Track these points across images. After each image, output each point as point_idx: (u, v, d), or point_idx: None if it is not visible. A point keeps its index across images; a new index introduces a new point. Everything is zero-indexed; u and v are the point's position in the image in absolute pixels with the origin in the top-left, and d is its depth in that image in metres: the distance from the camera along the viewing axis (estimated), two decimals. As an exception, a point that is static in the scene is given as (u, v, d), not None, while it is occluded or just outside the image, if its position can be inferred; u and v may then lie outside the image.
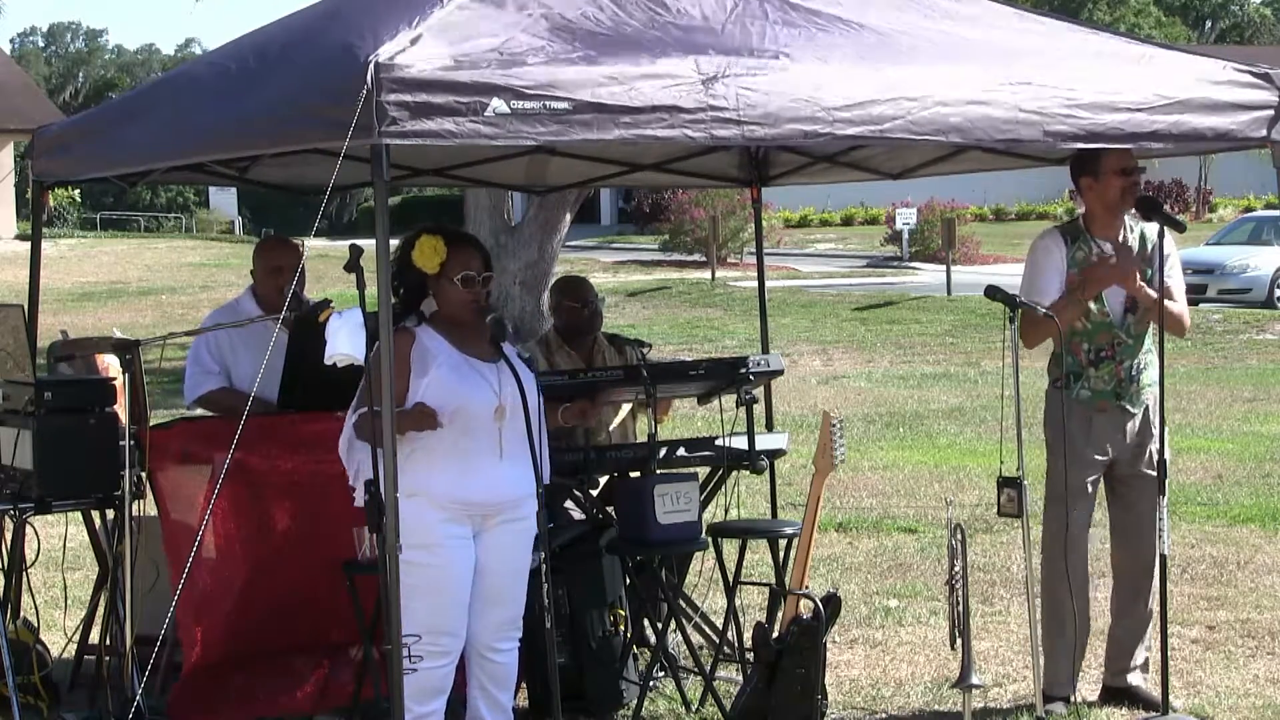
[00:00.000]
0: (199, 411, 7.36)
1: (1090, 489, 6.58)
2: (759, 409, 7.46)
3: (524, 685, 6.58)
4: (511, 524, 5.59)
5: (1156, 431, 6.60)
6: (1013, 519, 6.20)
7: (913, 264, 36.46)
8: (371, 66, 4.79)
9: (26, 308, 6.73)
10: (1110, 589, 6.87)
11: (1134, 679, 6.69)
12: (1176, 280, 6.60)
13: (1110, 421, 6.58)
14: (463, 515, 5.52)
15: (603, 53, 5.21)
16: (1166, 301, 6.45)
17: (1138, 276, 6.48)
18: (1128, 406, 6.59)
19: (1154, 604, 6.65)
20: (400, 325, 5.48)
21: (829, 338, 24.58)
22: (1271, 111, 6.15)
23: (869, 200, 44.73)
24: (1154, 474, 6.55)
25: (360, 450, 5.41)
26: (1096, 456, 6.57)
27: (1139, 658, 6.71)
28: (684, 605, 7.13)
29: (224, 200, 61.05)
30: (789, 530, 6.92)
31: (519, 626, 5.74)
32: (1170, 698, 6.49)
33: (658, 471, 6.62)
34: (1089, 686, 6.83)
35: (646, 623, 6.95)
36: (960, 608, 5.95)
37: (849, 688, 7.05)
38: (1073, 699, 6.56)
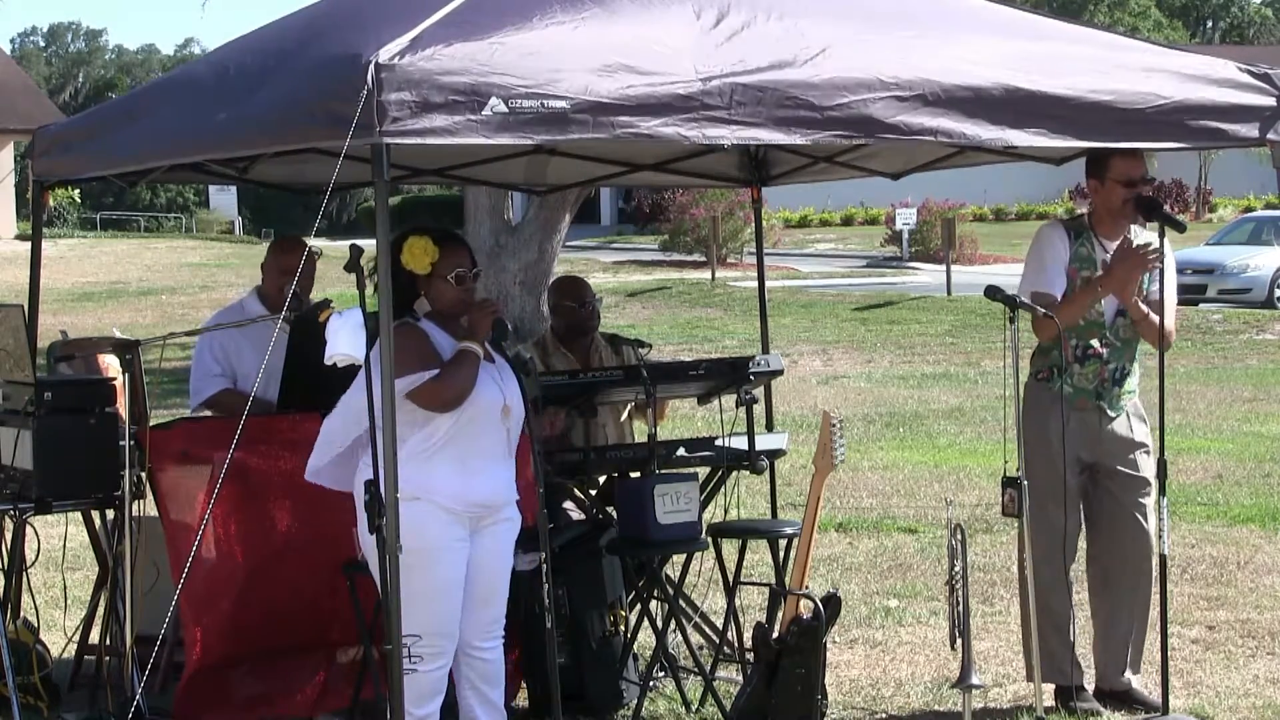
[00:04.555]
0: (200, 411, 7.35)
1: (1074, 488, 6.55)
2: (759, 409, 7.46)
3: (524, 685, 6.59)
4: (501, 524, 5.62)
5: (1150, 433, 6.60)
6: (1013, 519, 6.20)
7: (913, 264, 36.48)
8: (372, 65, 4.79)
9: (26, 308, 6.73)
10: (1089, 589, 6.83)
11: (1131, 681, 6.67)
12: (1170, 291, 6.56)
13: (1087, 421, 6.56)
14: (464, 516, 5.53)
15: (602, 53, 5.22)
16: (1155, 315, 6.43)
17: (1133, 290, 6.47)
18: (1106, 409, 6.58)
19: (1139, 603, 6.67)
20: (402, 321, 5.49)
21: (829, 338, 24.59)
22: (1271, 111, 6.15)
23: (869, 200, 44.74)
24: (1138, 473, 6.58)
25: (357, 451, 5.40)
26: (1074, 454, 6.54)
27: (1131, 659, 6.69)
28: (684, 605, 7.13)
29: (224, 200, 61.09)
30: (789, 530, 6.92)
31: (502, 624, 5.74)
32: (1170, 698, 6.49)
33: (658, 471, 6.62)
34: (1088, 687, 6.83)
35: (646, 621, 6.95)
36: (960, 608, 5.95)
37: (849, 688, 7.05)
38: (1077, 688, 6.55)
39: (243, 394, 6.81)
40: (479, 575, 5.60)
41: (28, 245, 7.26)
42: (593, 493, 7.07)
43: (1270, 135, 6.16)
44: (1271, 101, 6.15)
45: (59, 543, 7.49)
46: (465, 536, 5.55)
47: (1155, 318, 6.45)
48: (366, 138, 4.80)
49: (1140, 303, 6.48)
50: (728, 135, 5.29)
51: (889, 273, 35.39)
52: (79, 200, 50.54)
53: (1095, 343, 6.55)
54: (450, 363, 5.47)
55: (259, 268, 7.38)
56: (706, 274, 32.60)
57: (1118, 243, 6.54)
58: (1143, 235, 6.62)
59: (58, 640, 7.41)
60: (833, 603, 6.05)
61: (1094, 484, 6.66)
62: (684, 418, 12.75)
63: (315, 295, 7.13)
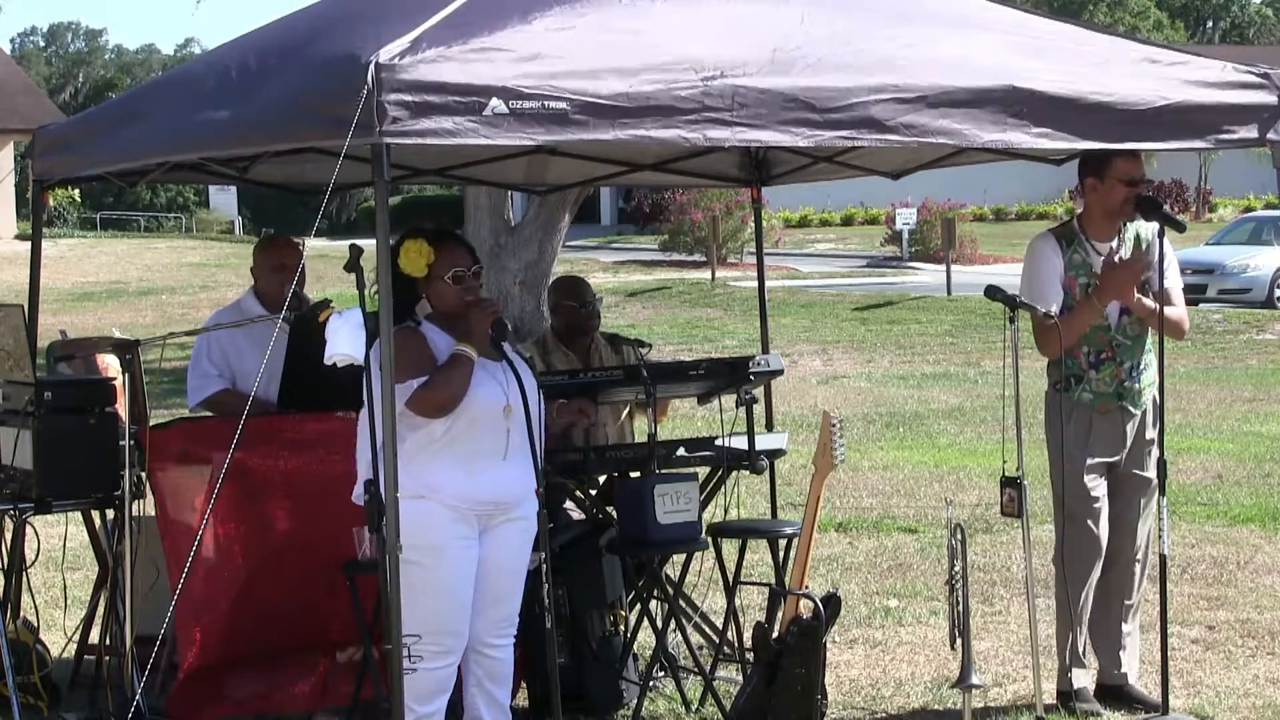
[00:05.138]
0: (200, 411, 7.35)
1: (1097, 492, 6.57)
2: (759, 409, 7.46)
3: (524, 685, 6.59)
4: (514, 522, 5.61)
5: (1154, 432, 6.62)
6: (1013, 519, 6.22)
7: (913, 264, 36.48)
8: (372, 66, 4.79)
9: (26, 308, 6.72)
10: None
11: (1129, 675, 6.69)
12: (1174, 282, 6.59)
13: (1112, 423, 6.59)
14: (470, 515, 5.53)
15: (602, 54, 5.22)
16: (1165, 306, 6.45)
17: (1134, 291, 6.48)
18: (1129, 407, 6.60)
19: (1134, 599, 6.69)
20: (403, 325, 5.49)
21: (829, 338, 24.59)
22: (1270, 111, 6.15)
23: (869, 200, 44.75)
24: (1147, 474, 6.59)
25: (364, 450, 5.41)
26: (1100, 459, 6.57)
27: (1129, 653, 6.71)
28: (684, 605, 7.13)
29: (224, 200, 61.06)
30: (789, 530, 6.92)
31: (515, 623, 5.75)
32: (1170, 698, 6.50)
33: (658, 471, 6.61)
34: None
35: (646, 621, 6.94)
36: (960, 608, 5.96)
37: (849, 688, 7.05)
38: (1077, 690, 6.56)
39: (242, 394, 6.81)
40: (490, 575, 5.61)
41: (28, 245, 7.26)
42: (593, 493, 7.07)
43: (1270, 135, 6.16)
44: (1271, 101, 6.15)
45: (59, 543, 7.49)
46: (472, 535, 5.55)
47: (1166, 308, 6.45)
48: (366, 138, 4.81)
49: (1144, 300, 6.49)
50: (729, 137, 5.29)
51: (889, 273, 35.39)
52: (79, 200, 50.54)
53: (1105, 345, 6.56)
54: (441, 368, 5.46)
55: (250, 271, 7.37)
56: (706, 274, 32.60)
57: (1108, 248, 6.55)
58: (1143, 227, 6.61)
59: (58, 640, 7.41)
60: (833, 603, 6.05)
61: (1109, 485, 6.68)
62: (684, 418, 12.75)
63: (315, 295, 7.13)
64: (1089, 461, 6.53)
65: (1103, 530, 6.57)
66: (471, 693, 5.73)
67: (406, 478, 5.20)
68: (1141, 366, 6.63)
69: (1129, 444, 6.61)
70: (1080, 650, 6.63)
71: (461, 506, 5.50)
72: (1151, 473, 6.60)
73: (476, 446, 5.52)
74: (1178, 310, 6.58)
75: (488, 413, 5.52)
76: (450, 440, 5.48)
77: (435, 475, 5.45)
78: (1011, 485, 6.09)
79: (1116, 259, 6.51)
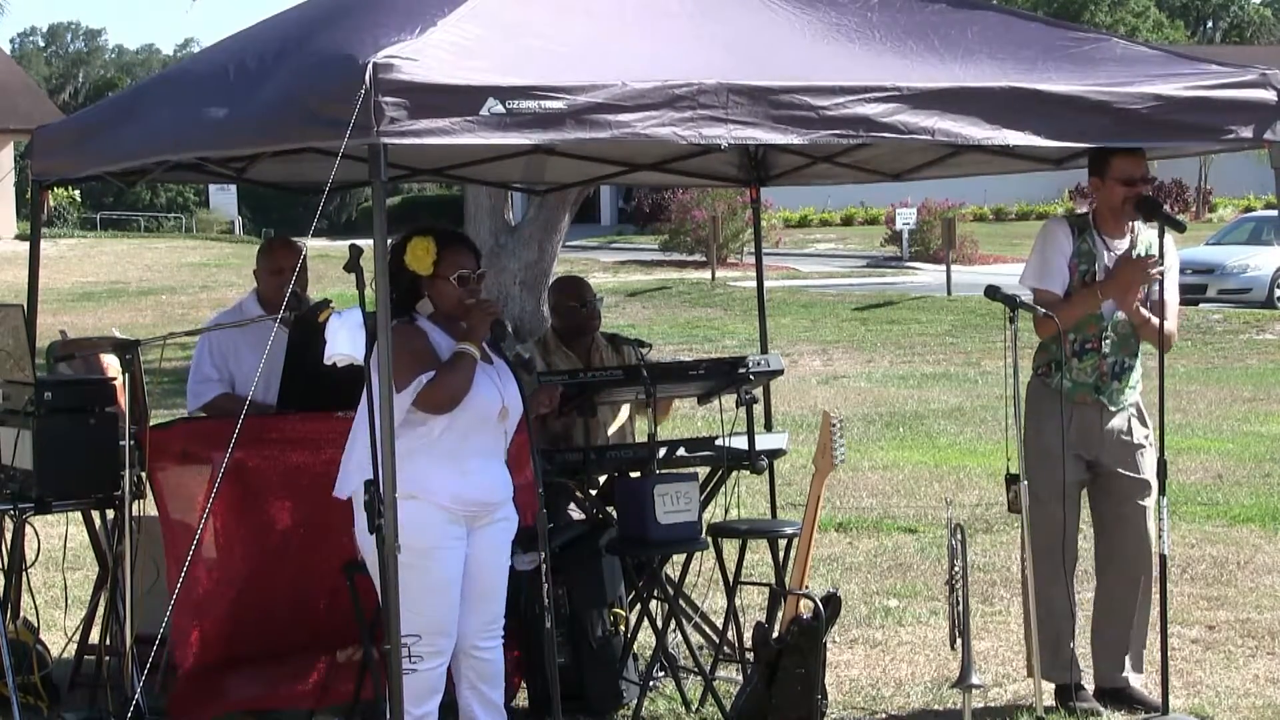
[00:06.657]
0: (198, 414, 7.34)
1: (1074, 486, 6.55)
2: (759, 409, 7.47)
3: (524, 685, 6.59)
4: (499, 522, 5.63)
5: (1151, 433, 6.61)
6: (1015, 516, 6.22)
7: (913, 264, 36.49)
8: (370, 66, 4.80)
9: (26, 308, 6.72)
10: (1094, 588, 6.86)
11: (1131, 679, 6.68)
12: (1172, 295, 6.58)
13: (1088, 417, 6.57)
14: (460, 515, 5.54)
15: (597, 54, 5.23)
16: (1156, 319, 6.46)
17: (1135, 293, 6.49)
18: (1106, 404, 6.59)
19: (1140, 603, 6.67)
20: (403, 321, 5.50)
21: (829, 338, 24.60)
22: (1268, 112, 6.15)
23: (869, 200, 44.73)
24: (1141, 476, 6.58)
25: (360, 448, 5.41)
26: (1075, 452, 6.55)
27: (1131, 658, 6.70)
28: (684, 605, 7.13)
29: (224, 200, 61.05)
30: (789, 530, 6.92)
31: (501, 623, 5.75)
32: (1170, 698, 6.49)
33: (658, 471, 6.62)
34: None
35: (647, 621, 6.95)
36: (960, 608, 5.96)
37: (849, 688, 7.05)
38: (1074, 686, 6.55)
39: (240, 398, 6.80)
40: (477, 574, 5.62)
41: (28, 245, 7.26)
42: (593, 493, 7.07)
43: (1268, 135, 6.16)
44: (1270, 101, 6.15)
45: (59, 543, 7.49)
46: (462, 535, 5.56)
47: (1156, 320, 6.47)
48: (364, 138, 4.81)
49: (1141, 308, 6.51)
50: (724, 135, 5.30)
51: (889, 273, 35.39)
52: (79, 200, 50.51)
53: (1093, 336, 6.57)
54: (445, 365, 5.48)
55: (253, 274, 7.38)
56: (706, 274, 32.61)
57: (1123, 244, 6.56)
58: (1144, 233, 6.63)
59: (58, 640, 7.41)
60: (833, 603, 6.06)
61: (1095, 484, 6.68)
62: (684, 418, 12.75)
63: (315, 295, 7.13)
64: (1065, 451, 6.49)
65: (1071, 521, 6.53)
66: (465, 695, 5.73)
67: (401, 477, 5.20)
68: (1126, 367, 6.62)
69: (1106, 443, 6.59)
70: (1072, 647, 6.61)
71: (454, 507, 5.51)
72: (1147, 474, 6.60)
73: (470, 446, 5.53)
74: (1169, 324, 6.56)
75: (484, 414, 5.53)
76: (447, 440, 5.49)
77: (430, 475, 5.45)
78: (1015, 481, 6.10)
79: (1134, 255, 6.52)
